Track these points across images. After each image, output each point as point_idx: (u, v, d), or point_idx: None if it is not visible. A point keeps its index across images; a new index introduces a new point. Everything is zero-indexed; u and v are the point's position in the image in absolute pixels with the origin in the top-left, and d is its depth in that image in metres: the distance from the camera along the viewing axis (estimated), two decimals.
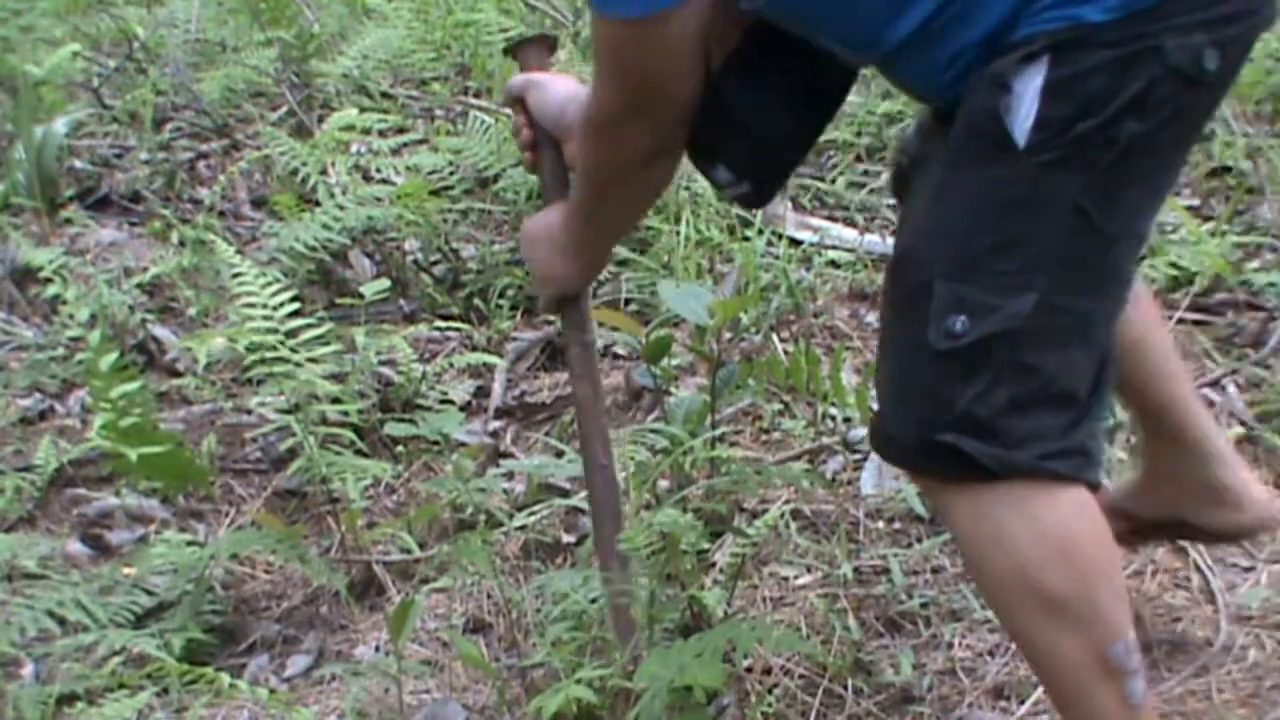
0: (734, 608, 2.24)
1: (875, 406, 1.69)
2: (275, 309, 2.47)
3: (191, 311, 3.35)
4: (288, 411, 2.51)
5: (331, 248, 3.38)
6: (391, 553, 2.57)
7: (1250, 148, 3.66)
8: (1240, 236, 3.24)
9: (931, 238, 1.58)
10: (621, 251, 3.37)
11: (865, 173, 3.72)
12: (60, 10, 5.27)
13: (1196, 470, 2.07)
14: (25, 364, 3.20)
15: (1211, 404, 2.77)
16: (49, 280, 3.31)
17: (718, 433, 2.61)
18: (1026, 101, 1.49)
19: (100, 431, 2.65)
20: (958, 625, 2.26)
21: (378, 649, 2.35)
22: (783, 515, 2.54)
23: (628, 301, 3.27)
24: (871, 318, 3.26)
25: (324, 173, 3.58)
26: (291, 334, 2.47)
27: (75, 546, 2.67)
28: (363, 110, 3.90)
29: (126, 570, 2.50)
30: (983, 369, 1.54)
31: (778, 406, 2.89)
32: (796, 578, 2.40)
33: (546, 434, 2.87)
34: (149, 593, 2.44)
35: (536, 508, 2.61)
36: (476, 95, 4.24)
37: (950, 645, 2.22)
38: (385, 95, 4.31)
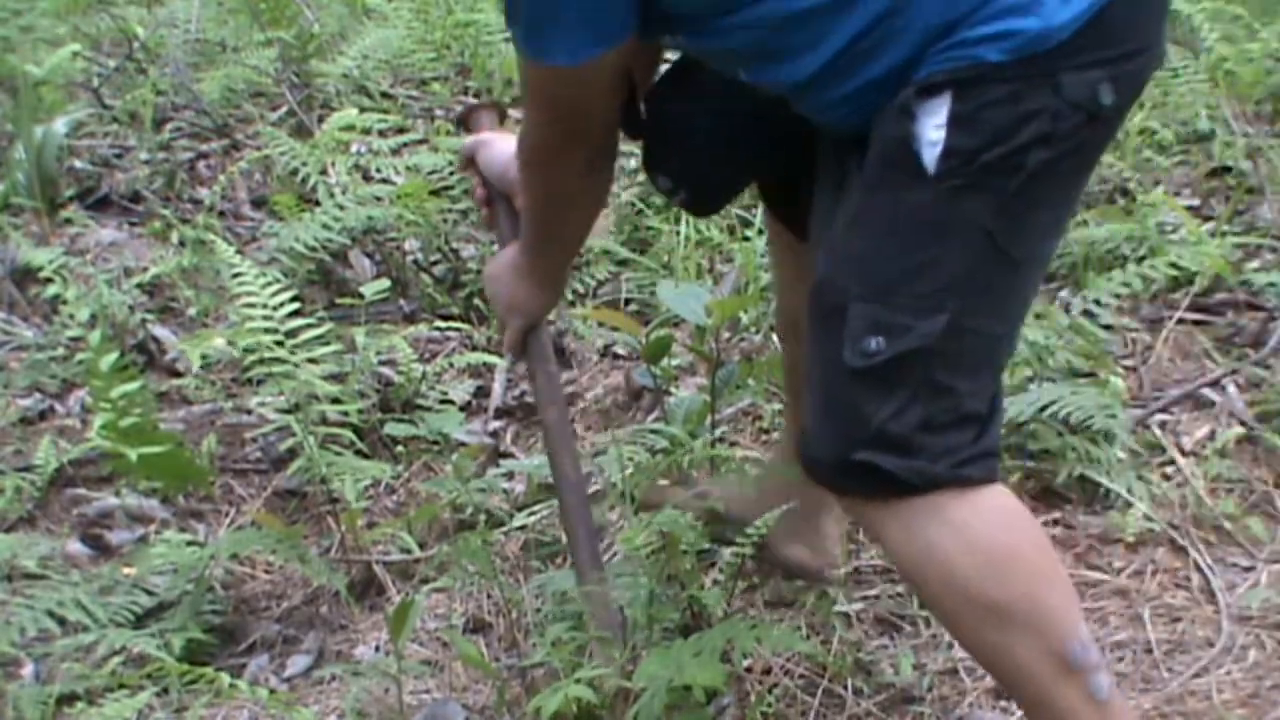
0: (733, 608, 2.23)
1: (804, 437, 1.72)
2: (275, 309, 2.47)
3: (191, 311, 3.35)
4: (288, 411, 2.51)
5: (331, 248, 3.38)
6: (391, 553, 2.57)
7: (1250, 148, 3.66)
8: (1240, 236, 3.24)
9: (847, 261, 1.64)
10: (621, 252, 3.37)
11: None
12: (60, 10, 5.26)
13: (811, 500, 2.12)
14: (25, 364, 3.20)
15: (1211, 404, 2.77)
16: (49, 280, 3.31)
17: (718, 433, 2.61)
18: (933, 131, 1.56)
19: (100, 431, 2.65)
20: None
21: (378, 649, 2.35)
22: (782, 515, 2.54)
23: (628, 301, 3.27)
24: None
25: (324, 173, 3.58)
26: (291, 334, 2.47)
27: (75, 546, 2.67)
28: (363, 110, 3.90)
29: (126, 570, 2.50)
30: (898, 387, 1.59)
31: (778, 406, 2.89)
32: (796, 578, 2.40)
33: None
34: (149, 593, 2.43)
35: (536, 508, 2.60)
36: (476, 95, 4.24)
37: (950, 645, 2.22)
38: (385, 95, 4.31)
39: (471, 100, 2.52)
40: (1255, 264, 3.23)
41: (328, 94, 4.29)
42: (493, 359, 3.02)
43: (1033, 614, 1.65)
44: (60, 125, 4.03)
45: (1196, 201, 3.56)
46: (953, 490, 1.62)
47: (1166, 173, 3.69)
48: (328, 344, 2.53)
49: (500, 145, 2.11)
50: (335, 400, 2.58)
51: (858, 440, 1.61)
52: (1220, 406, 2.76)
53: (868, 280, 1.61)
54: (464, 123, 2.25)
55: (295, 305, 2.50)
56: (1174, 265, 2.88)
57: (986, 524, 1.65)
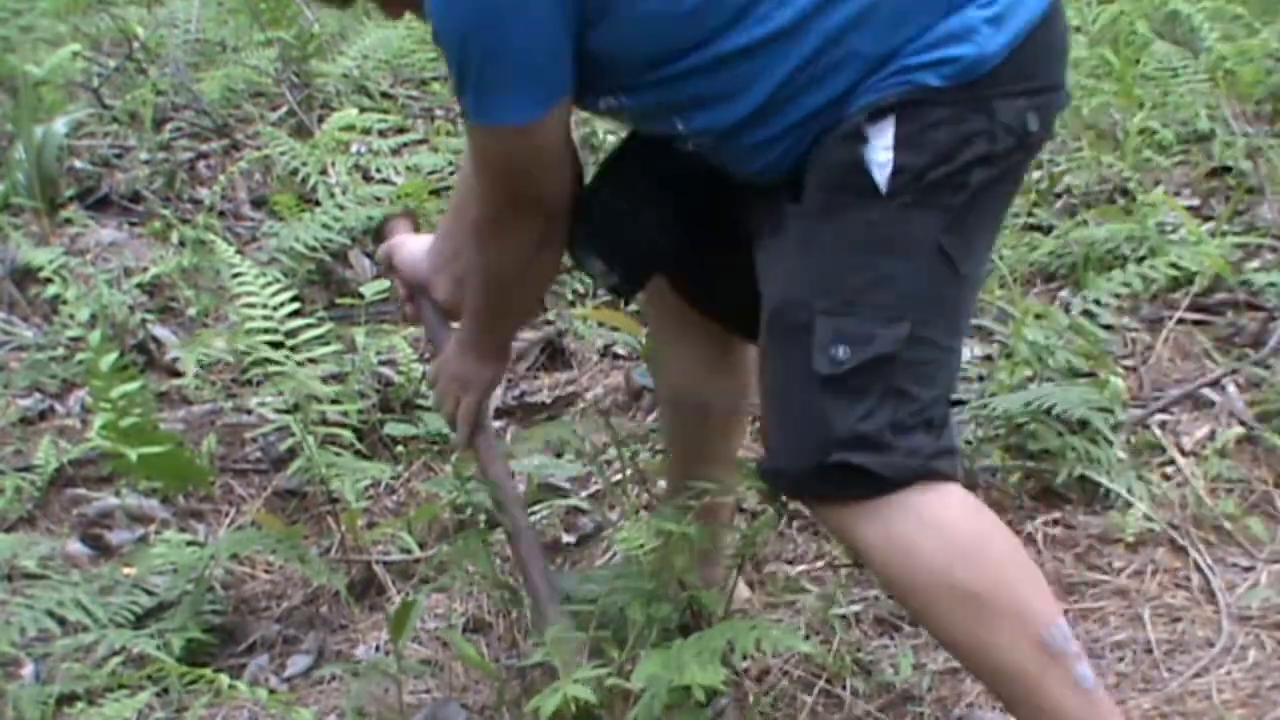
0: (733, 608, 2.23)
1: (768, 457, 1.80)
2: (275, 309, 2.47)
3: (191, 311, 3.35)
4: (287, 411, 2.51)
5: (331, 248, 3.38)
6: (391, 553, 2.57)
7: (1250, 148, 3.66)
8: (1240, 236, 3.24)
9: (807, 283, 1.71)
10: None
11: None
12: (60, 10, 5.26)
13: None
14: (25, 364, 3.20)
15: (1211, 404, 2.77)
16: (49, 280, 3.30)
17: None
18: (881, 153, 1.65)
19: (100, 431, 2.65)
20: None
21: (378, 649, 2.35)
22: (782, 515, 2.54)
23: (627, 301, 3.26)
24: None
25: (324, 173, 3.58)
26: (291, 334, 2.47)
27: (75, 546, 2.67)
28: (363, 110, 3.90)
29: (126, 570, 2.50)
30: (865, 393, 1.68)
31: None
32: (796, 578, 2.40)
33: (546, 434, 2.86)
34: (149, 593, 2.43)
35: (536, 508, 2.60)
36: None
37: None
38: (385, 95, 4.31)
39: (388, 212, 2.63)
40: (1255, 264, 3.23)
41: (328, 94, 4.29)
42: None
43: (1011, 601, 1.70)
44: (60, 125, 4.03)
45: (1196, 201, 3.56)
46: (923, 485, 1.69)
47: (1166, 173, 3.69)
48: (328, 344, 2.53)
49: (413, 244, 2.18)
50: (335, 400, 2.58)
51: (832, 442, 1.68)
52: (1220, 406, 2.76)
53: (830, 295, 1.68)
54: (380, 233, 2.32)
55: (295, 305, 2.50)
56: (1174, 265, 2.88)
57: (957, 516, 1.72)
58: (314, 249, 3.31)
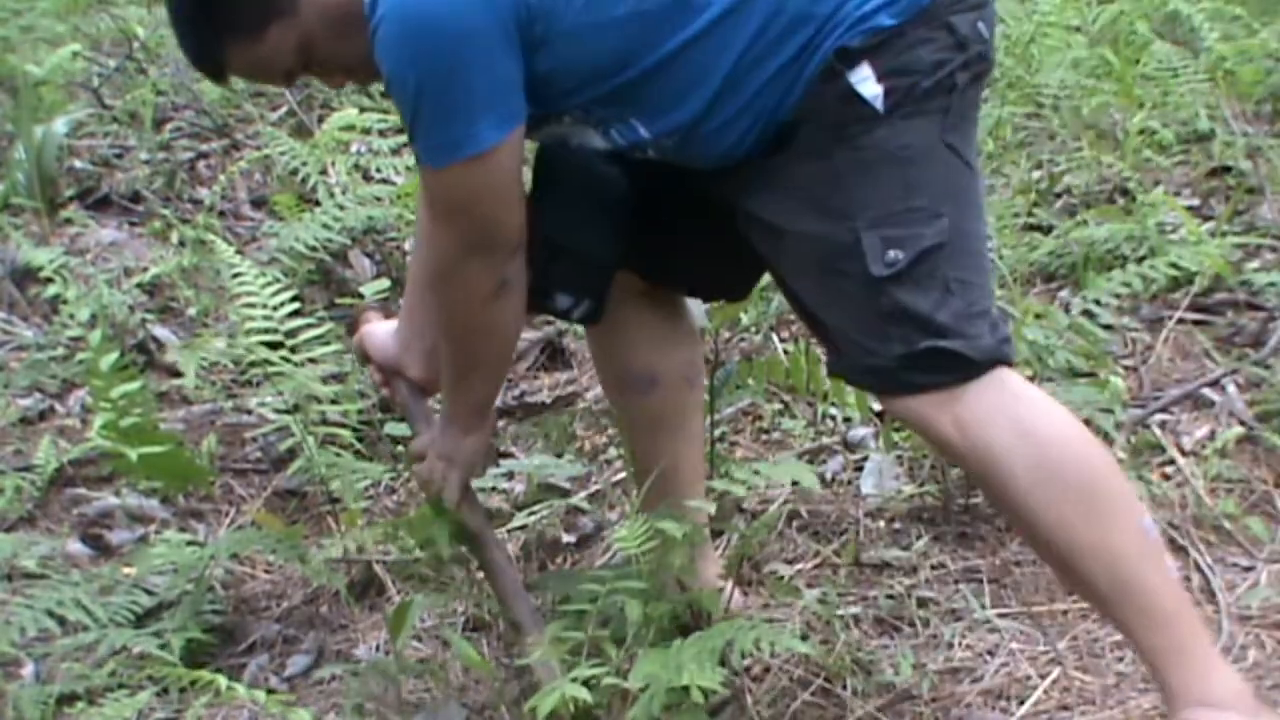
0: (734, 607, 2.23)
1: (838, 358, 1.84)
2: (275, 309, 2.47)
3: (191, 311, 3.35)
4: (287, 411, 2.51)
5: (331, 248, 3.38)
6: (392, 553, 2.57)
7: (1250, 148, 3.66)
8: (1240, 236, 3.23)
9: (838, 208, 1.77)
10: None
11: None
12: (60, 10, 5.26)
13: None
14: (25, 364, 3.20)
15: (1211, 404, 2.77)
16: (49, 280, 3.30)
17: (717, 433, 2.61)
18: (870, 86, 1.75)
19: (100, 431, 2.65)
20: (958, 625, 2.26)
21: (377, 649, 2.35)
22: (782, 515, 2.54)
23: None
24: None
25: (324, 173, 3.58)
26: (291, 334, 2.47)
27: (75, 546, 2.67)
28: (363, 110, 3.89)
29: (126, 570, 2.50)
30: (930, 283, 1.75)
31: (778, 406, 2.89)
32: (795, 578, 2.40)
33: (546, 434, 2.86)
34: (149, 593, 2.43)
35: (536, 508, 2.61)
36: None
37: (950, 645, 2.22)
38: (385, 95, 4.29)
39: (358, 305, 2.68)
40: (1255, 264, 3.23)
41: (327, 94, 4.29)
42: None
43: (1121, 484, 1.80)
44: (60, 125, 4.03)
45: (1196, 201, 3.56)
46: (1003, 370, 1.78)
47: (1166, 173, 3.69)
48: (328, 344, 2.53)
49: (382, 329, 2.21)
50: (335, 400, 2.58)
51: (916, 334, 1.75)
52: (1220, 406, 2.76)
53: (867, 211, 1.76)
54: (352, 326, 2.35)
55: (295, 305, 2.50)
56: (1174, 265, 2.88)
57: (1047, 399, 1.81)
58: (314, 249, 3.30)
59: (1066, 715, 2.08)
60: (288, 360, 2.40)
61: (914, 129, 1.77)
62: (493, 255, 1.87)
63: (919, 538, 2.48)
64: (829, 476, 2.69)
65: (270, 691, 2.11)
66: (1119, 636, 2.22)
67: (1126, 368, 2.91)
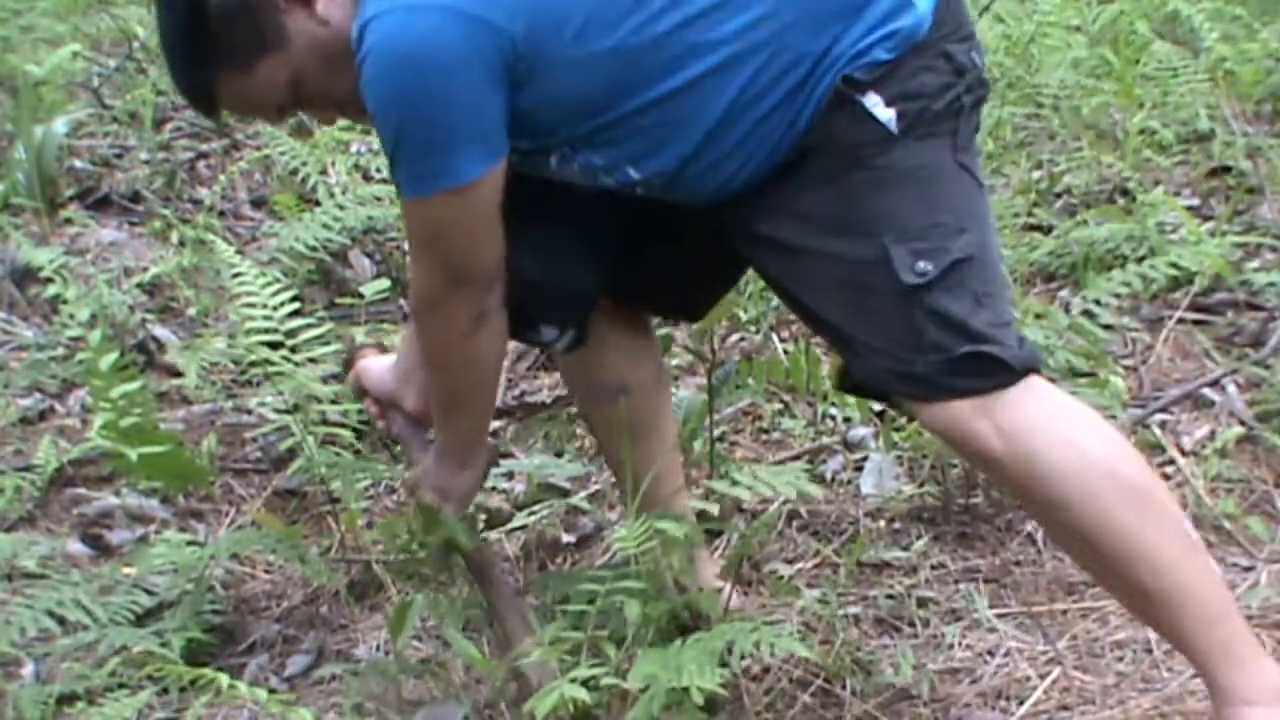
0: (732, 608, 2.23)
1: (868, 370, 1.83)
2: (275, 309, 2.47)
3: (191, 311, 3.35)
4: (288, 411, 2.51)
5: (331, 248, 3.38)
6: (391, 552, 2.56)
7: (1250, 148, 3.66)
8: (1240, 236, 3.24)
9: (861, 227, 1.78)
10: None
11: None
12: (60, 10, 5.26)
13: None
14: (25, 364, 3.20)
15: (1211, 404, 2.77)
16: (49, 280, 3.30)
17: (718, 433, 2.61)
18: (881, 110, 1.77)
19: (100, 431, 2.65)
20: (958, 625, 2.26)
21: (377, 649, 2.35)
22: (781, 515, 2.54)
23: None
24: None
25: (324, 173, 3.58)
26: (291, 334, 2.47)
27: (75, 546, 2.67)
28: None
29: (126, 570, 2.50)
30: (960, 291, 1.77)
31: (778, 406, 2.89)
32: (795, 578, 2.40)
33: (546, 434, 2.86)
34: (149, 593, 2.43)
35: (536, 508, 2.61)
36: None
37: (950, 645, 2.22)
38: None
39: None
40: (1255, 264, 3.23)
41: None
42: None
43: (1162, 490, 1.82)
44: (60, 125, 4.03)
45: (1196, 201, 3.56)
46: (1037, 376, 1.79)
47: (1166, 173, 3.70)
48: (328, 344, 2.53)
49: (379, 363, 2.22)
50: (335, 400, 2.58)
51: (953, 338, 1.75)
52: (1220, 406, 2.76)
53: (892, 227, 1.77)
54: (348, 363, 2.36)
55: (295, 305, 2.50)
56: (1174, 265, 2.88)
57: (1079, 403, 1.84)
58: (314, 249, 3.30)
59: (1066, 715, 2.08)
60: (288, 360, 2.40)
61: (928, 149, 1.80)
62: (470, 286, 1.89)
63: (919, 538, 2.48)
64: (829, 476, 2.69)
65: (270, 691, 2.11)
66: (1119, 636, 2.22)
67: (1126, 368, 2.91)
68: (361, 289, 3.05)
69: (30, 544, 2.59)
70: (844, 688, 2.12)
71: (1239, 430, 2.66)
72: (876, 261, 1.77)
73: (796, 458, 2.72)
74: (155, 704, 2.19)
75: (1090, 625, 2.26)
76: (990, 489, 2.57)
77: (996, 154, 3.68)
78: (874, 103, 1.77)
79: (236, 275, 2.52)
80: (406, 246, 1.98)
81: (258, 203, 3.90)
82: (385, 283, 3.11)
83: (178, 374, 3.14)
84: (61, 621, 2.31)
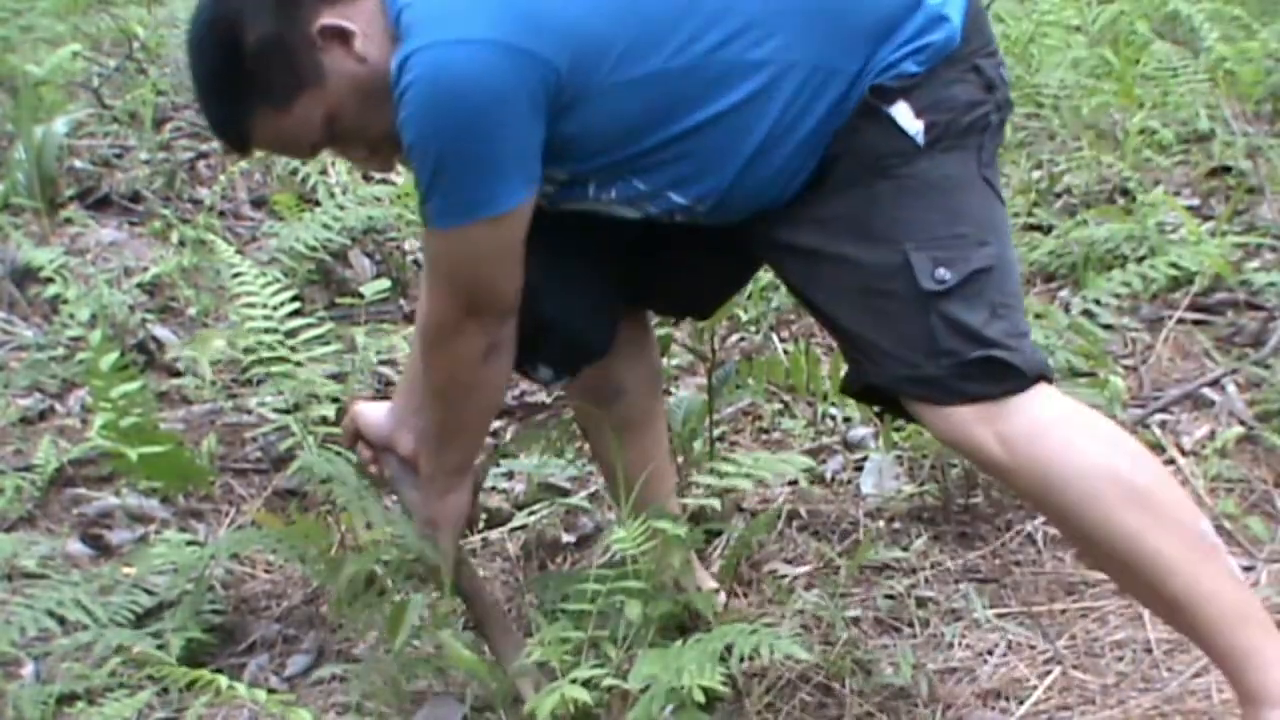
0: (732, 607, 2.23)
1: (880, 372, 1.83)
2: (275, 309, 2.47)
3: (191, 311, 3.35)
4: (288, 411, 2.51)
5: (331, 248, 3.38)
6: (391, 552, 2.56)
7: (1250, 148, 3.66)
8: (1240, 236, 3.24)
9: (884, 236, 1.80)
10: None
11: None
12: (60, 10, 5.26)
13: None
14: (25, 364, 3.20)
15: (1211, 404, 2.77)
16: (49, 280, 3.30)
17: (717, 433, 2.61)
18: (910, 121, 1.79)
19: (100, 431, 2.65)
20: (958, 625, 2.26)
21: (377, 648, 2.35)
22: (781, 514, 2.54)
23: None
24: None
25: (324, 173, 3.58)
26: (291, 334, 2.47)
27: (75, 546, 2.67)
28: None
29: (126, 570, 2.49)
30: (977, 301, 1.78)
31: (778, 406, 2.89)
32: (795, 578, 2.40)
33: (546, 435, 2.86)
34: (149, 593, 2.43)
35: (536, 508, 2.61)
36: None
37: (950, 645, 2.22)
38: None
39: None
40: (1255, 264, 3.23)
41: None
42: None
43: (1172, 493, 1.80)
44: (60, 125, 4.03)
45: (1196, 201, 3.56)
46: (1047, 385, 1.81)
47: (1166, 173, 3.70)
48: (328, 344, 2.53)
49: (373, 409, 2.20)
50: (335, 400, 2.58)
51: (967, 344, 1.77)
52: (1220, 406, 2.76)
53: (914, 236, 1.79)
54: (341, 413, 2.36)
55: (295, 305, 2.50)
56: (1174, 265, 2.88)
57: (1091, 410, 1.84)
58: (314, 249, 3.30)
59: (1066, 715, 2.08)
60: (288, 360, 2.40)
61: (953, 161, 1.81)
62: (487, 317, 1.89)
63: (919, 538, 2.48)
64: (829, 476, 2.69)
65: (270, 691, 2.11)
66: (1119, 636, 2.23)
67: (1126, 368, 2.91)
68: (361, 289, 3.06)
69: (30, 544, 2.58)
70: (844, 687, 2.12)
71: (1239, 430, 2.66)
72: (897, 268, 1.78)
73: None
74: (155, 704, 2.19)
75: (1090, 625, 2.26)
76: (990, 489, 2.57)
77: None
78: (903, 112, 1.78)
79: (236, 275, 2.52)
80: (424, 275, 1.95)
81: (258, 203, 3.90)
82: (385, 283, 3.11)
83: (178, 374, 3.14)
84: (61, 621, 2.31)
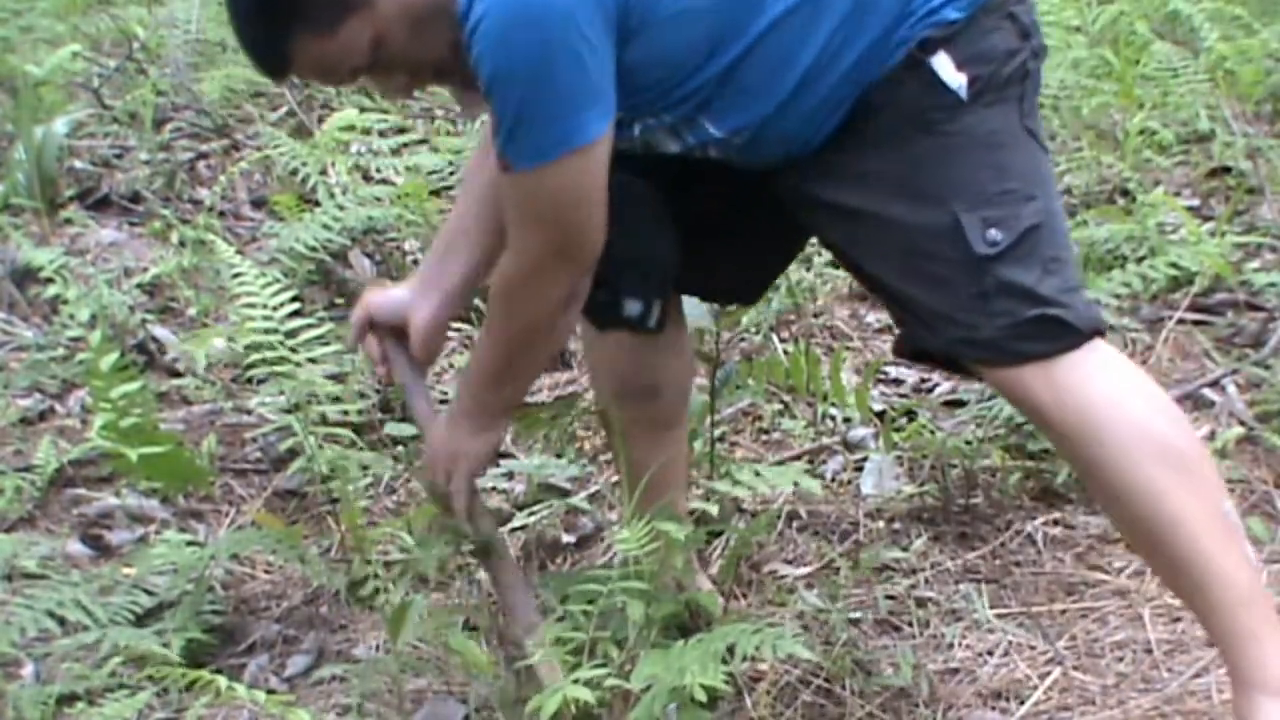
0: (732, 608, 2.23)
1: (930, 335, 1.83)
2: (275, 309, 2.47)
3: (191, 311, 3.35)
4: (288, 411, 2.51)
5: (331, 248, 3.38)
6: (391, 553, 2.57)
7: (1250, 148, 3.66)
8: (1240, 236, 3.24)
9: (933, 195, 1.79)
10: None
11: None
12: (60, 10, 5.26)
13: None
14: (25, 364, 3.20)
15: (1211, 404, 2.77)
16: (49, 280, 3.30)
17: (718, 433, 2.61)
18: (951, 74, 1.78)
19: (100, 431, 2.65)
20: (958, 625, 2.26)
21: (377, 648, 2.35)
22: (781, 515, 2.55)
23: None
24: (872, 318, 3.26)
25: (324, 173, 3.58)
26: (291, 334, 2.46)
27: (75, 546, 2.67)
28: (363, 110, 3.90)
29: (126, 570, 2.50)
30: (1031, 262, 1.77)
31: (778, 406, 2.89)
32: (796, 578, 2.40)
33: (546, 434, 2.86)
34: (149, 593, 2.43)
35: (536, 508, 2.61)
36: None
37: (950, 645, 2.22)
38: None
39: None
40: (1255, 264, 3.23)
41: (328, 94, 4.29)
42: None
43: (1206, 462, 1.82)
44: (60, 125, 4.03)
45: (1196, 201, 3.56)
46: (1100, 342, 1.81)
47: (1166, 173, 3.70)
48: (328, 344, 2.53)
49: (386, 292, 2.16)
50: (335, 400, 2.58)
51: (1021, 304, 1.76)
52: (1220, 406, 2.76)
53: (962, 195, 1.78)
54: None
55: (295, 305, 2.50)
56: (1174, 265, 2.88)
57: (1139, 370, 1.85)
58: (314, 249, 3.30)
59: (1066, 715, 2.08)
60: (288, 360, 2.40)
61: (997, 115, 1.80)
62: (575, 264, 1.84)
63: (919, 538, 2.48)
64: (829, 476, 2.69)
65: (270, 691, 2.11)
66: (1119, 636, 2.23)
67: None
68: (361, 289, 3.06)
69: (30, 544, 2.58)
70: (844, 688, 2.12)
71: (1239, 430, 2.66)
72: (945, 229, 1.77)
73: (796, 458, 2.72)
74: (155, 704, 2.19)
75: (1090, 625, 2.26)
76: (990, 489, 2.57)
77: None
78: (944, 65, 1.77)
79: (236, 275, 2.52)
80: (510, 224, 1.87)
81: (258, 203, 3.90)
82: (385, 283, 3.11)
83: (178, 374, 3.14)
84: (61, 622, 2.31)
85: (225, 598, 2.50)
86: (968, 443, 2.61)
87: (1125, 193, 3.51)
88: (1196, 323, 3.06)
